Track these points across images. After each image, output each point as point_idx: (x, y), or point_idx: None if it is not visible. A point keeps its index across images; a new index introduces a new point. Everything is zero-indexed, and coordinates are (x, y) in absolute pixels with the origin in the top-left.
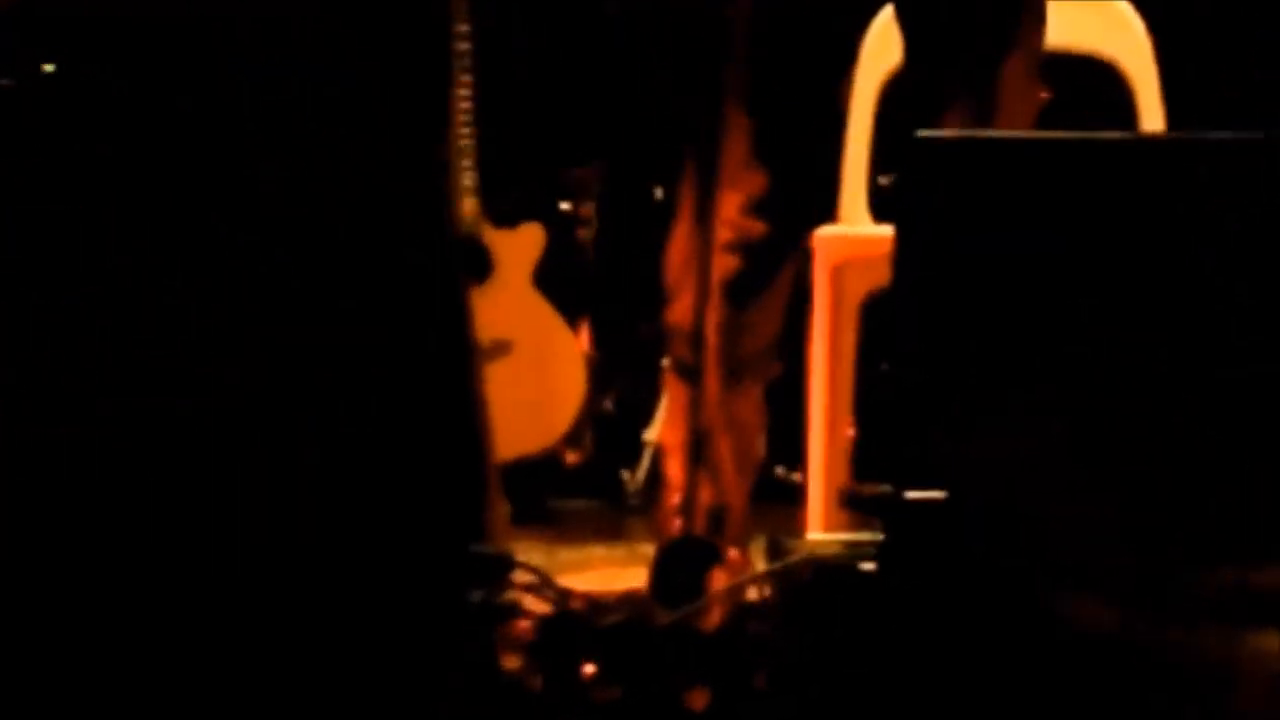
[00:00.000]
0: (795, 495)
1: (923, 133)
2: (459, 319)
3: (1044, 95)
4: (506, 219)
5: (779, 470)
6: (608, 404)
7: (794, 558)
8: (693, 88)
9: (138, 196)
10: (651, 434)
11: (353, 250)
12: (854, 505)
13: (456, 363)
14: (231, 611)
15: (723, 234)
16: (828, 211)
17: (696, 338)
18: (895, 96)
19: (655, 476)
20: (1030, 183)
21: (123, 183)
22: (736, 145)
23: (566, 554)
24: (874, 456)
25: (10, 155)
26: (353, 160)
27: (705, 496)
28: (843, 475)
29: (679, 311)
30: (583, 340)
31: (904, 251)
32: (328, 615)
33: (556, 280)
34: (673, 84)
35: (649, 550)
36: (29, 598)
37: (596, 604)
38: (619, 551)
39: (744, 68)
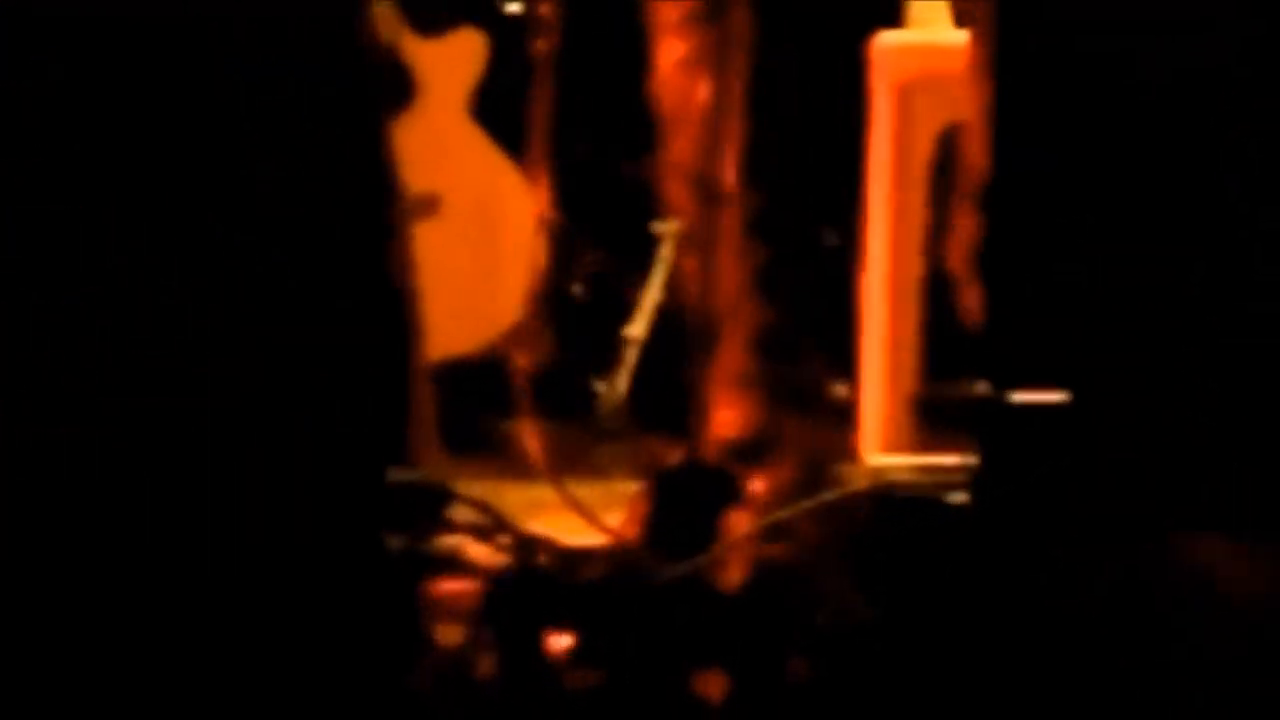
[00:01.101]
0: (844, 415)
1: None
2: (375, 158)
3: None
4: (434, 24)
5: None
6: (574, 286)
7: (849, 488)
8: None
9: (134, 196)
10: (636, 328)
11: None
12: (933, 415)
13: (370, 219)
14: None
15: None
16: (890, 14)
17: (705, 182)
18: None
19: (640, 387)
20: None
21: (120, 182)
22: None
23: (516, 494)
24: (959, 348)
25: (10, 155)
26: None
27: (721, 406)
28: (911, 378)
29: (679, 147)
30: (540, 194)
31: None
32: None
33: (503, 110)
34: None
35: (631, 489)
36: (28, 598)
37: (568, 555)
38: (590, 490)
39: None
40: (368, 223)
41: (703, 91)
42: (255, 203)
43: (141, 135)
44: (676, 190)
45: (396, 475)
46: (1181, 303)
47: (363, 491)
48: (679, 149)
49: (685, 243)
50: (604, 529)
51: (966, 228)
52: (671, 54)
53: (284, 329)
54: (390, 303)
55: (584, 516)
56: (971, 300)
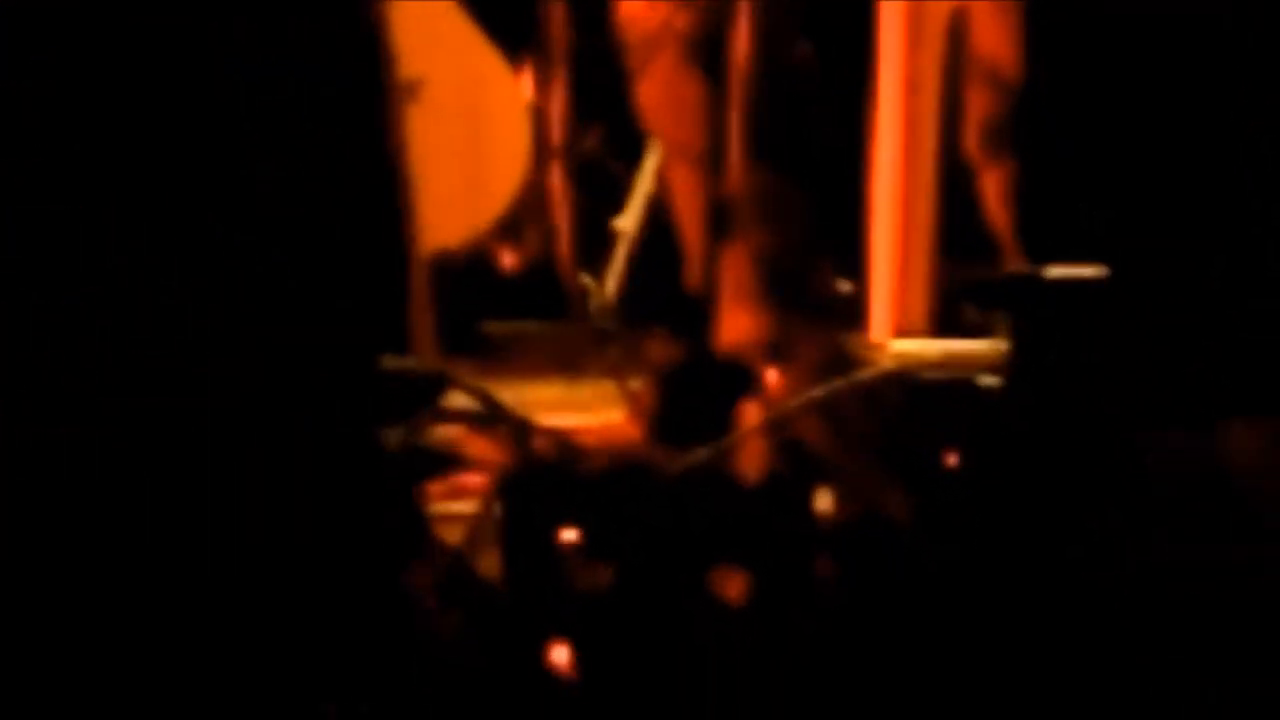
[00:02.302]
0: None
1: None
2: (369, 39)
3: None
4: None
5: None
6: (562, 177)
7: (872, 372)
8: None
9: (133, 196)
10: (626, 221)
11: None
12: (965, 293)
13: (364, 102)
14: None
15: None
16: None
17: (713, 47)
18: None
19: (633, 283)
20: None
21: (119, 182)
22: None
23: (505, 393)
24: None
25: (9, 155)
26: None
27: (729, 309)
28: (928, 261)
29: (686, 27)
30: (526, 79)
31: None
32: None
33: None
34: None
35: (626, 388)
36: (28, 598)
37: (574, 448)
38: (583, 393)
39: None
40: (362, 106)
41: None
42: (253, 84)
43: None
44: (676, 89)
45: (392, 362)
46: (1223, 176)
47: (359, 380)
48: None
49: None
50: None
51: (980, 108)
52: None
53: (282, 214)
54: (385, 188)
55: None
56: (991, 183)
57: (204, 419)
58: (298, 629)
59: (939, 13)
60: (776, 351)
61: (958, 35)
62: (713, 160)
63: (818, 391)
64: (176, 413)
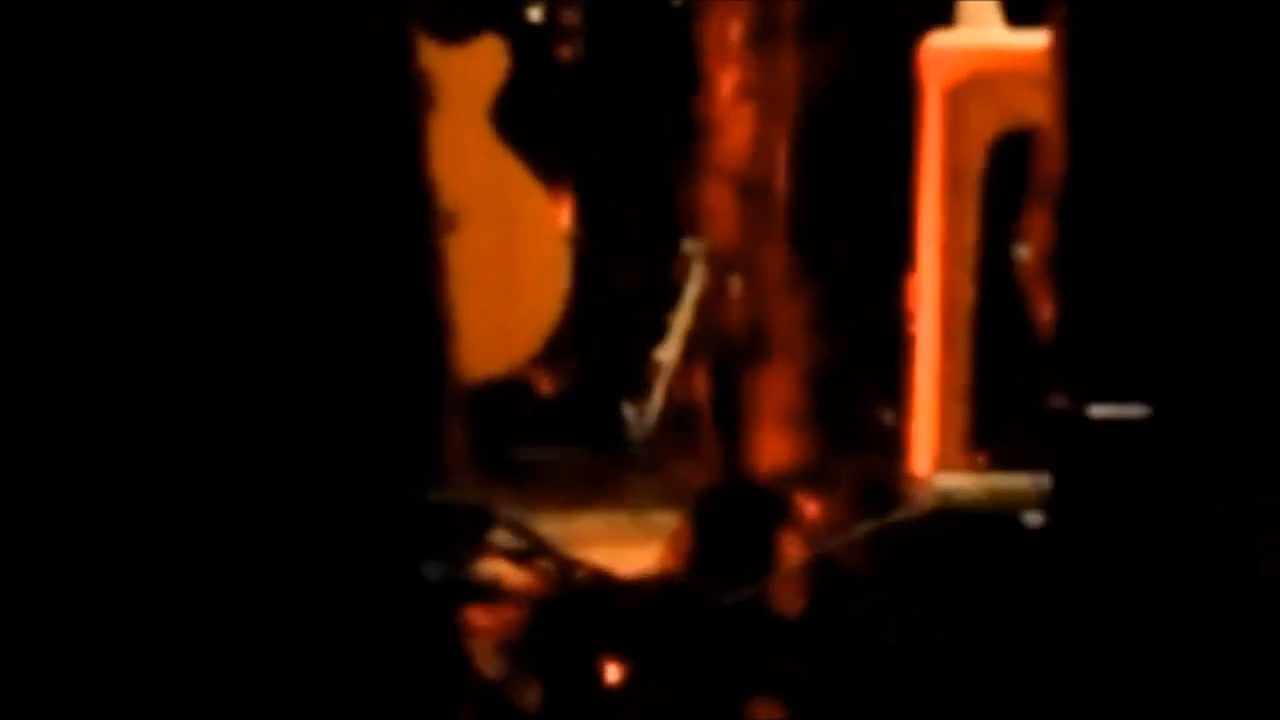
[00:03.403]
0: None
1: None
2: (412, 170)
3: None
4: (453, 31)
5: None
6: (602, 307)
7: (913, 507)
8: None
9: (133, 196)
10: (667, 352)
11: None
12: (1003, 431)
13: (408, 232)
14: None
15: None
16: (941, 14)
17: (757, 190)
18: None
19: (673, 413)
20: None
21: (118, 182)
22: None
23: (543, 525)
24: (1026, 361)
25: (9, 155)
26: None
27: (768, 434)
28: (965, 394)
29: (730, 147)
30: (563, 209)
31: (1077, 55)
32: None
33: (525, 121)
34: None
35: (666, 521)
36: (27, 598)
37: (614, 583)
38: (620, 520)
39: None
40: (405, 236)
41: (750, 92)
42: (296, 216)
43: (166, 149)
44: (719, 199)
45: (435, 496)
46: (1271, 313)
47: (399, 514)
48: (724, 153)
49: (727, 262)
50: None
51: (1041, 234)
52: (719, 55)
53: (322, 344)
54: (427, 318)
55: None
56: (1045, 310)
57: (243, 437)
58: None
59: (978, 145)
60: (815, 480)
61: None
62: (754, 277)
63: (859, 529)
64: (212, 430)
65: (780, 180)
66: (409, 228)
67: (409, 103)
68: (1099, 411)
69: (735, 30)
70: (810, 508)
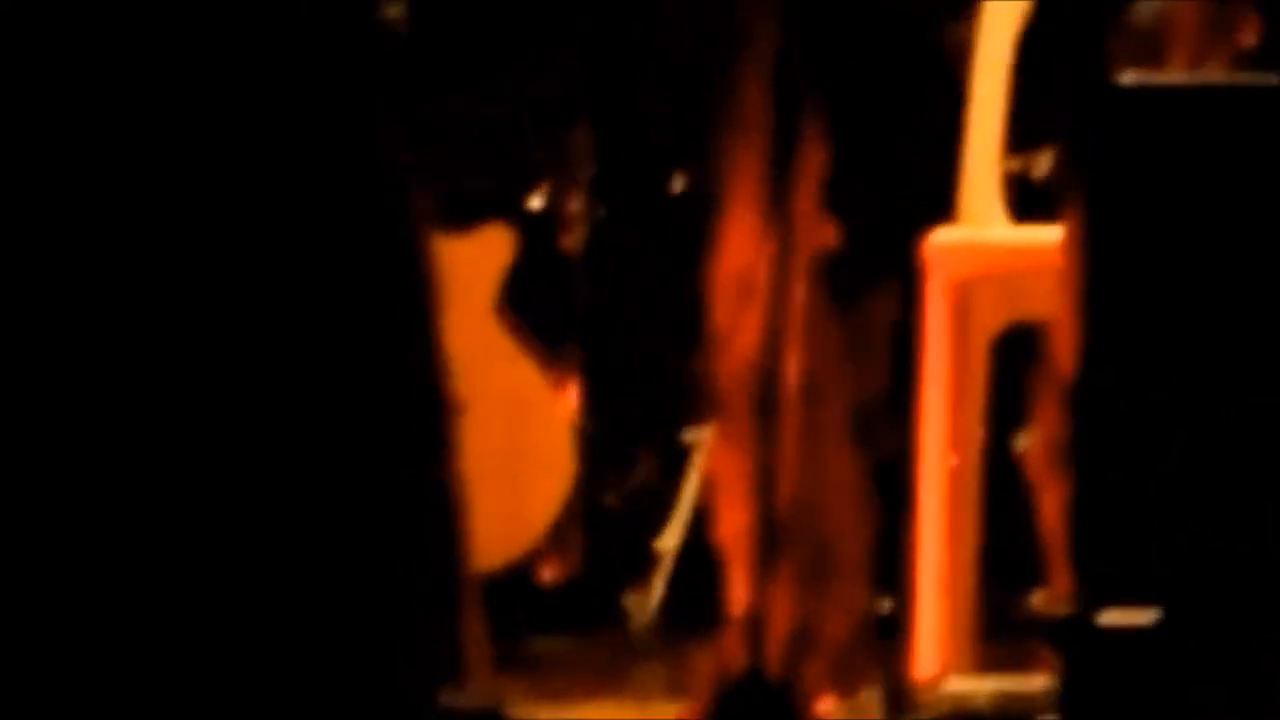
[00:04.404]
0: (893, 628)
1: (1127, 78)
2: (426, 358)
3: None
4: (459, 219)
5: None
6: (607, 496)
7: (927, 712)
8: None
9: (122, 198)
10: (668, 540)
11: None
12: (1012, 633)
13: (424, 422)
14: None
15: (802, 238)
16: (940, 208)
17: (767, 387)
18: (1034, 38)
19: (675, 602)
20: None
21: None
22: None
23: (547, 714)
24: (1032, 562)
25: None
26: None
27: (781, 616)
28: (970, 593)
29: (737, 353)
30: (569, 398)
31: (1094, 249)
32: None
33: (531, 309)
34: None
35: (667, 712)
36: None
37: None
38: (625, 711)
39: None
40: (422, 427)
41: (764, 287)
42: (313, 410)
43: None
44: (733, 393)
45: (449, 699)
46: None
47: (411, 713)
48: (737, 350)
49: (732, 453)
50: None
51: (1052, 424)
52: (734, 246)
53: (335, 537)
54: (442, 510)
55: None
56: (1051, 501)
57: (261, 647)
58: None
59: (984, 340)
60: (829, 679)
61: (1019, 346)
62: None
63: None
64: (230, 640)
65: (789, 375)
66: (425, 416)
67: (421, 295)
68: (1109, 619)
69: (742, 224)
70: (827, 705)
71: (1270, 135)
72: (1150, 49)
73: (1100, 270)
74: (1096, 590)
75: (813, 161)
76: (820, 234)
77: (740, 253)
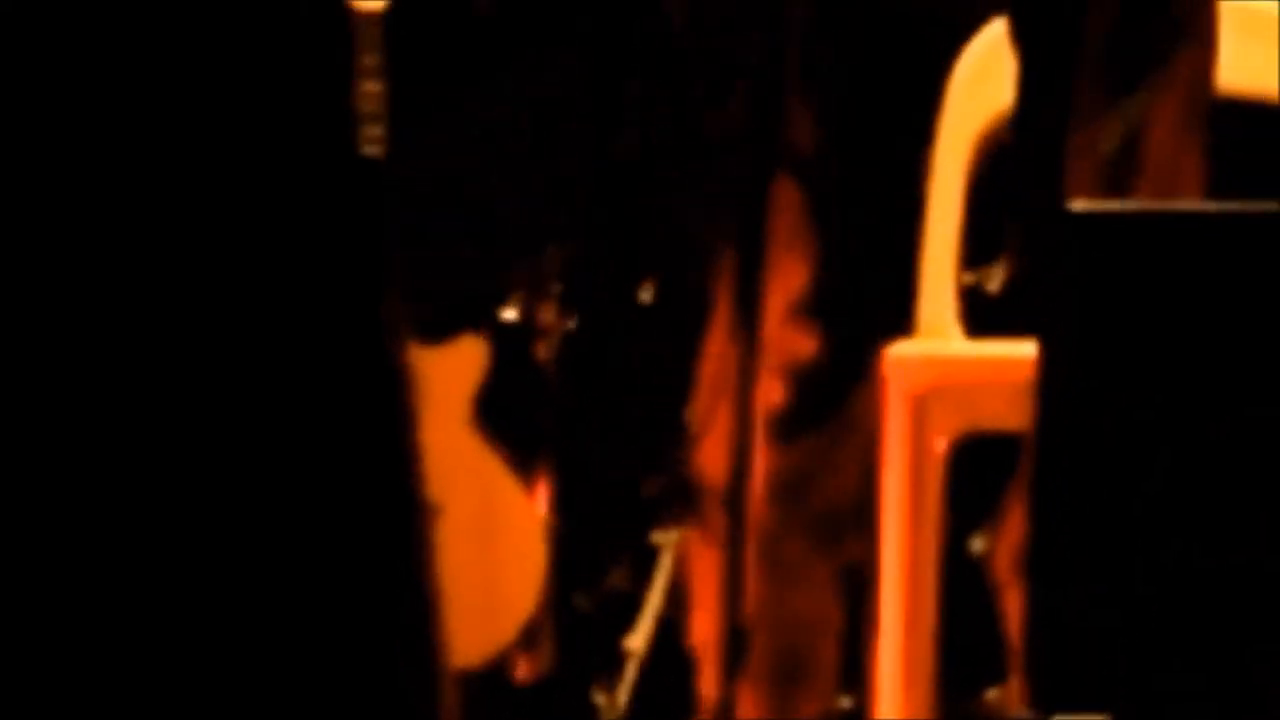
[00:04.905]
0: None
1: (1077, 204)
2: (402, 464)
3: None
4: (434, 331)
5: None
6: (577, 597)
7: None
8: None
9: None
10: (636, 640)
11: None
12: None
13: (399, 529)
14: None
15: (772, 347)
16: (900, 321)
17: (733, 493)
18: (996, 158)
19: (644, 699)
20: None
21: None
22: (784, 219)
23: None
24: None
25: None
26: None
27: (747, 714)
28: (926, 699)
29: (709, 455)
30: (540, 502)
31: (1050, 373)
32: None
33: (503, 417)
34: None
35: None
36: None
37: None
38: None
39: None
40: (397, 534)
41: (731, 398)
42: (283, 520)
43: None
44: (707, 492)
45: None
46: (1250, 620)
47: None
48: (708, 449)
49: (707, 551)
50: None
51: (1019, 527)
52: (711, 348)
53: (315, 636)
54: (419, 614)
55: None
56: (1015, 605)
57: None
58: None
59: (940, 451)
60: None
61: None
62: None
63: None
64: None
65: (756, 476)
66: (399, 523)
67: (397, 405)
68: None
69: (719, 338)
70: None
71: (1232, 262)
72: (1118, 175)
73: (1053, 393)
74: (1050, 694)
75: (789, 268)
76: (795, 340)
77: (715, 354)
